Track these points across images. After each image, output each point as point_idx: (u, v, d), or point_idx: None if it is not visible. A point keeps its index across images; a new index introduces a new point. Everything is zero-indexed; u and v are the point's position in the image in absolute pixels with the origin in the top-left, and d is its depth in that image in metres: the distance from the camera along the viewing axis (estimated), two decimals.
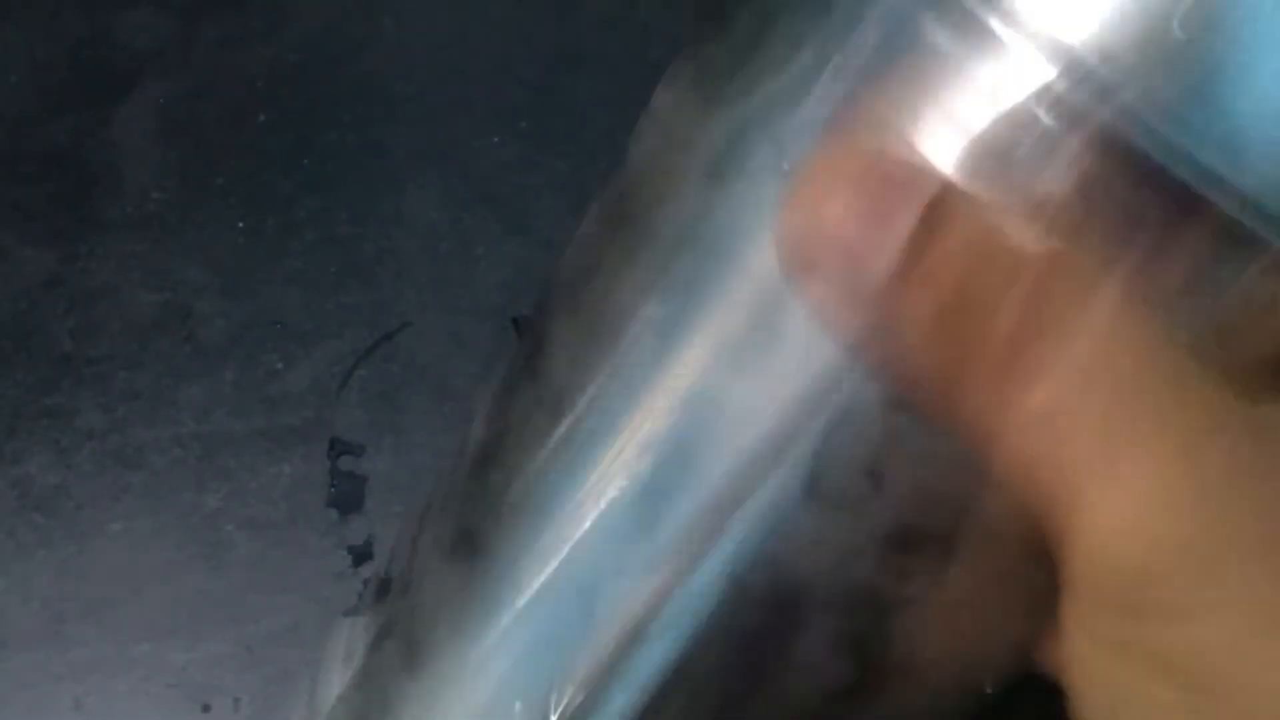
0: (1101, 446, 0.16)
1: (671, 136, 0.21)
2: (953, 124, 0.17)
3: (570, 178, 0.45)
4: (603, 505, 0.20)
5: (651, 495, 0.19)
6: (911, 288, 0.17)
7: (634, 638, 0.19)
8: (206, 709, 0.39)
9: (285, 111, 0.47)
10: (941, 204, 0.17)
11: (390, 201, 0.45)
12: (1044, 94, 0.16)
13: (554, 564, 0.20)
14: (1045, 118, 0.16)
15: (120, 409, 0.42)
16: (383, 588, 0.24)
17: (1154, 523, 0.16)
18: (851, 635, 0.19)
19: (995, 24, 0.16)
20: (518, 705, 0.20)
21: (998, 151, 0.16)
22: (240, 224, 0.45)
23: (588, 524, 0.20)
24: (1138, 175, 0.16)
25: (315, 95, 0.47)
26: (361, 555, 0.40)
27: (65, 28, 0.49)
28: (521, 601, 0.20)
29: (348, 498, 0.41)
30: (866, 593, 0.19)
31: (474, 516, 0.22)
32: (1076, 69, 0.16)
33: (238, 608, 0.40)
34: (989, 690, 0.20)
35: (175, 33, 0.48)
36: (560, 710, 0.20)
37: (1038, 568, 0.18)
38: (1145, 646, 0.17)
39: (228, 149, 0.46)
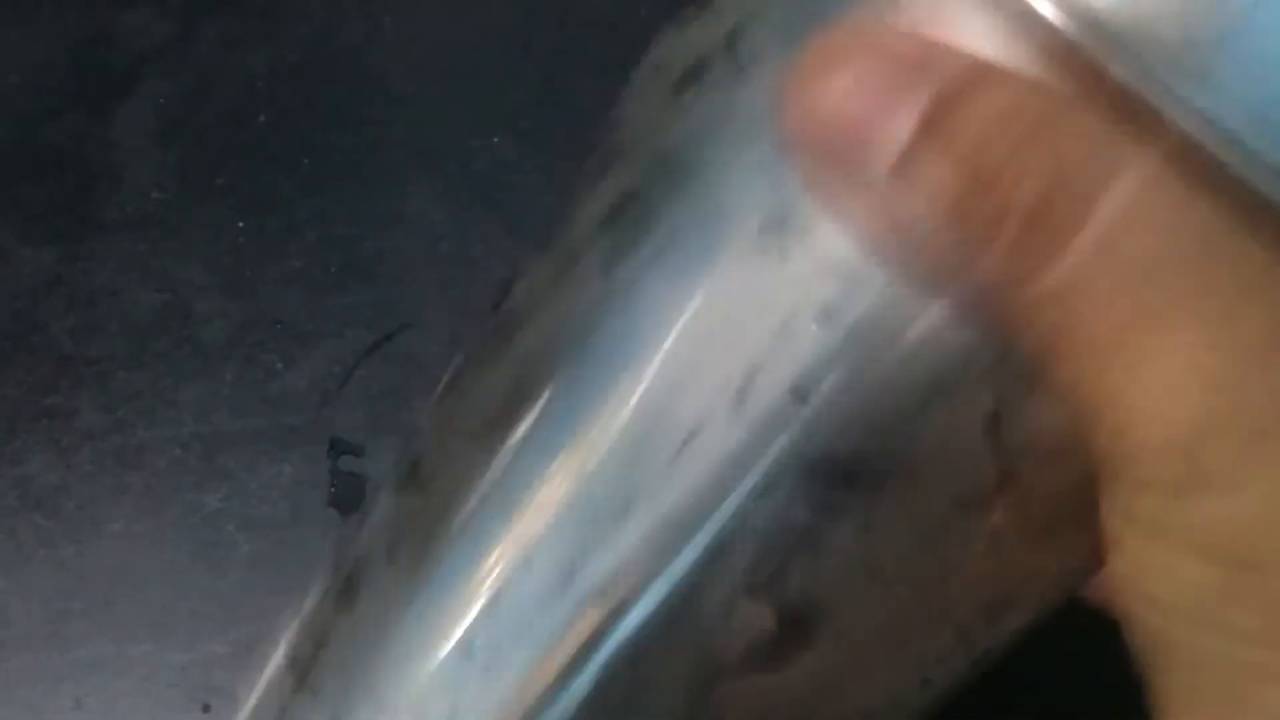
0: (1132, 315, 0.16)
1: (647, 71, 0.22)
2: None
3: (570, 178, 0.45)
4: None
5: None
6: (927, 162, 0.16)
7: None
8: (206, 709, 0.39)
9: (285, 111, 0.47)
10: (954, 75, 0.16)
11: (390, 201, 0.45)
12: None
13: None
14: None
15: (120, 409, 0.42)
16: (410, 471, 0.24)
17: (1191, 395, 0.16)
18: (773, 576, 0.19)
19: None
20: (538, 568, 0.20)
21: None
22: (240, 224, 0.45)
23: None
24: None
25: (315, 95, 0.47)
26: None
27: (65, 28, 0.49)
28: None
29: (348, 498, 0.41)
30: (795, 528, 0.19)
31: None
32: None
33: (238, 608, 0.40)
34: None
35: (175, 33, 0.48)
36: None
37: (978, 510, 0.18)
38: (1185, 525, 0.16)
39: (228, 149, 0.46)
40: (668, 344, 0.19)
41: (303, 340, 0.43)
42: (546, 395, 0.21)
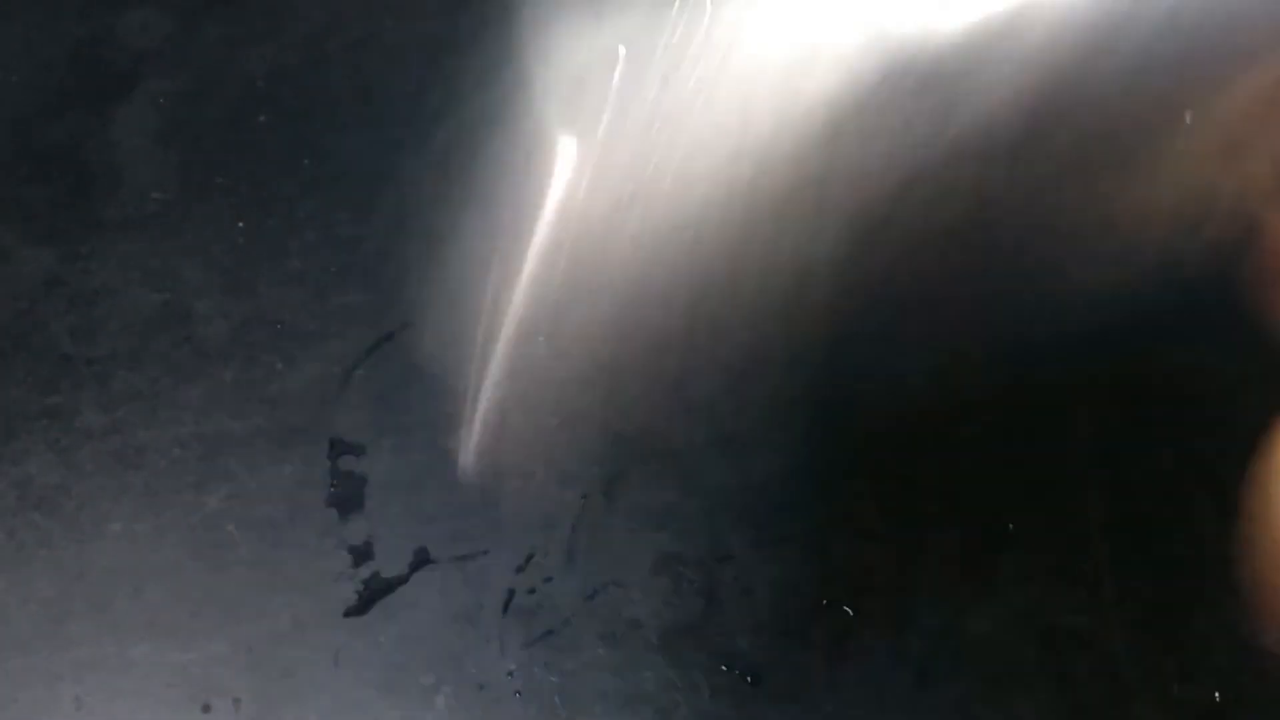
0: None
1: None
2: None
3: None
4: None
5: None
6: None
7: None
8: (206, 709, 0.39)
9: (285, 111, 0.47)
10: None
11: (390, 201, 0.45)
12: None
13: None
14: None
15: (120, 409, 0.42)
16: None
17: None
18: None
19: None
20: None
21: None
22: (240, 224, 0.45)
23: None
24: None
25: (315, 95, 0.47)
26: (361, 555, 0.40)
27: (65, 28, 0.49)
28: None
29: (348, 498, 0.41)
30: None
31: None
32: None
33: (238, 608, 0.40)
34: None
35: (175, 33, 0.48)
36: None
37: None
38: None
39: (228, 149, 0.46)
40: None
41: (303, 340, 0.43)
42: None
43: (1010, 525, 0.38)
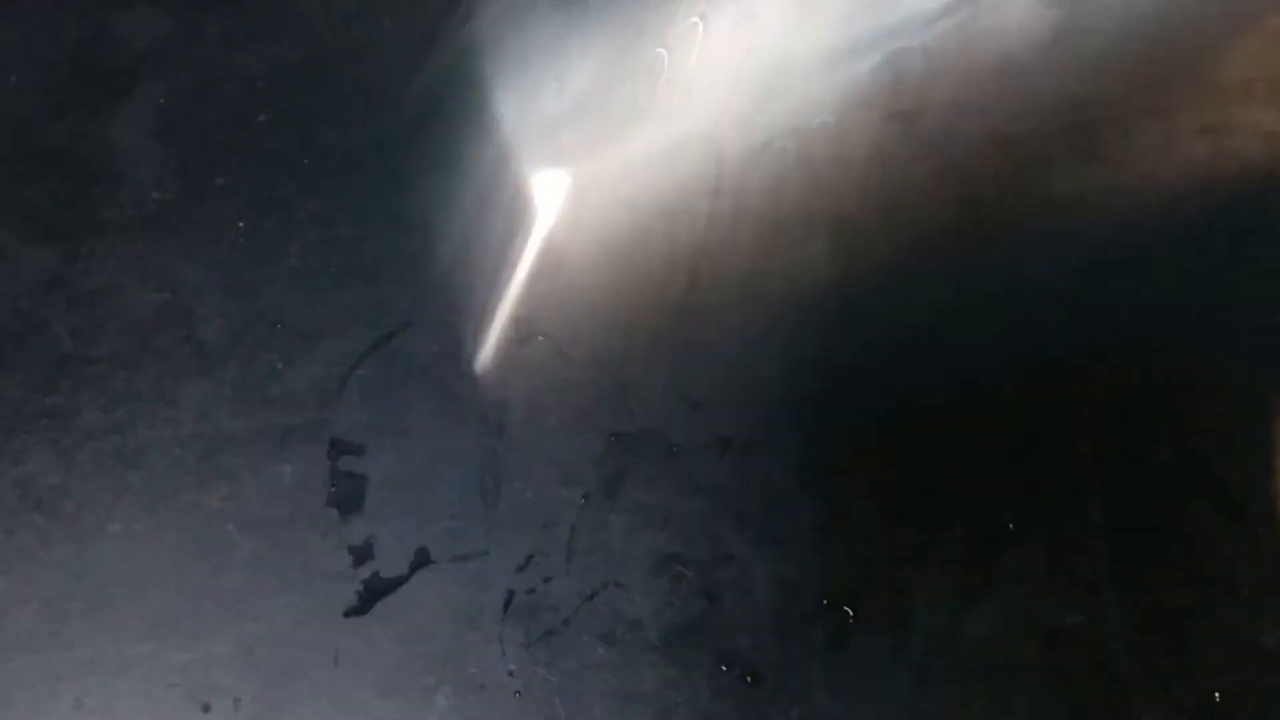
0: None
1: None
2: None
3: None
4: None
5: None
6: None
7: None
8: (206, 709, 0.39)
9: (285, 111, 0.47)
10: None
11: (390, 201, 0.45)
12: None
13: None
14: None
15: (120, 409, 0.42)
16: None
17: None
18: None
19: None
20: None
21: None
22: (240, 224, 0.45)
23: None
24: None
25: (315, 95, 0.47)
26: (361, 555, 0.40)
27: (65, 28, 0.49)
28: None
29: (348, 498, 0.41)
30: None
31: None
32: None
33: (238, 608, 0.40)
34: None
35: (175, 33, 0.48)
36: None
37: None
38: None
39: (228, 149, 0.46)
40: None
41: (303, 340, 0.43)
42: None
43: (1010, 525, 0.38)
